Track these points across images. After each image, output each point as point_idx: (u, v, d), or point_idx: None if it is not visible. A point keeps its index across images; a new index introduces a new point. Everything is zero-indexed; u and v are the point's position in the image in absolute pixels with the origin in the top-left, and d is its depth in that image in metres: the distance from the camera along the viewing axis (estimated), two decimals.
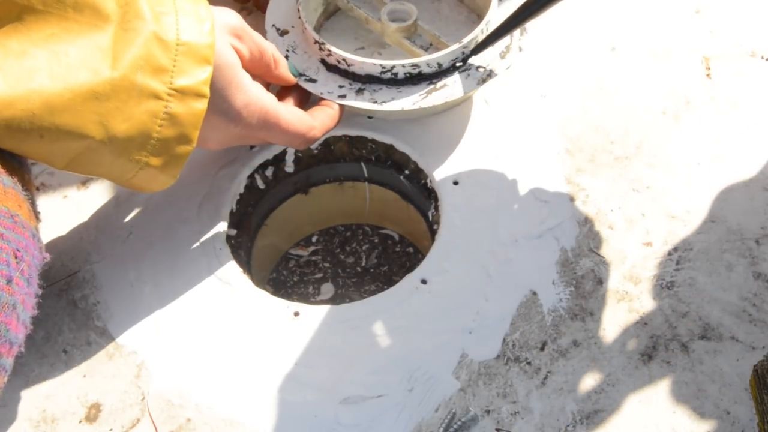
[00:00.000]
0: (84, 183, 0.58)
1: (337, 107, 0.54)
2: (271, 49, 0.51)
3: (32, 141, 0.39)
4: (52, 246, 0.54)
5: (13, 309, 0.36)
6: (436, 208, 0.56)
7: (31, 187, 0.43)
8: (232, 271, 0.53)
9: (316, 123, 0.52)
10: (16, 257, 0.37)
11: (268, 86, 0.54)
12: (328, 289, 0.69)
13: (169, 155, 0.43)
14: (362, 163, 0.63)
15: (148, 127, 0.41)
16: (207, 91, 0.43)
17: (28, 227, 0.39)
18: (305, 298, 0.68)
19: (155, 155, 0.43)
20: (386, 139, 0.59)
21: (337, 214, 0.70)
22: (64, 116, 0.39)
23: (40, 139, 0.39)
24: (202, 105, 0.43)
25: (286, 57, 0.57)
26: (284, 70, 0.53)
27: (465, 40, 0.55)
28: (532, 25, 0.55)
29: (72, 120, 0.39)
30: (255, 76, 0.50)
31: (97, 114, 0.40)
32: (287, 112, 0.50)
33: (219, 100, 0.45)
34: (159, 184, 0.45)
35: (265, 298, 0.51)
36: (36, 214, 0.42)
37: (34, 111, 0.38)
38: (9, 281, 0.36)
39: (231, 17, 0.48)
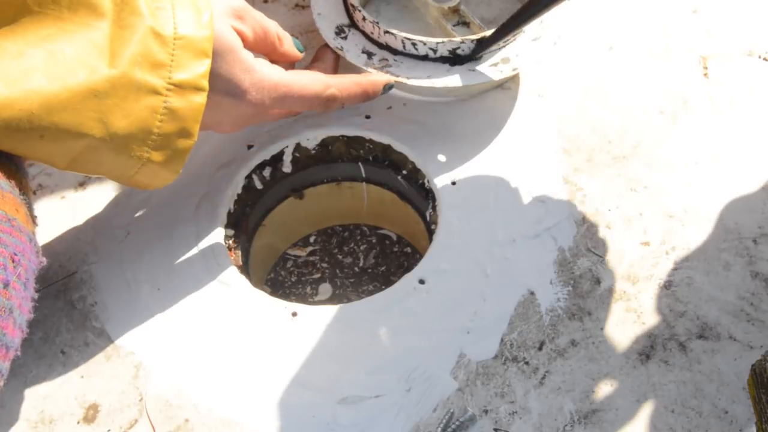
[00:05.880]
0: (81, 184, 0.58)
1: (370, 74, 0.53)
2: (274, 27, 0.51)
3: (32, 141, 0.39)
4: (49, 247, 0.54)
5: (9, 313, 0.36)
6: (434, 208, 0.56)
7: (28, 191, 0.43)
8: (229, 271, 0.53)
9: (331, 81, 0.51)
10: (13, 261, 0.37)
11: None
12: (326, 289, 0.69)
13: (171, 150, 0.43)
14: (360, 164, 0.63)
15: (148, 123, 0.41)
16: (206, 84, 0.43)
17: (26, 231, 0.39)
18: (303, 299, 0.68)
19: (156, 150, 0.43)
20: (384, 139, 0.59)
21: (334, 215, 0.70)
22: (63, 115, 0.39)
23: (40, 139, 0.39)
24: (201, 99, 0.43)
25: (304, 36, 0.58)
26: (290, 47, 0.53)
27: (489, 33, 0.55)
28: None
29: (71, 119, 0.39)
30: (261, 56, 0.50)
31: (97, 112, 0.40)
32: (297, 77, 0.50)
33: (225, 84, 0.45)
34: (162, 179, 0.45)
35: (263, 298, 0.51)
36: (33, 218, 0.42)
37: (32, 111, 0.38)
38: (6, 285, 0.36)
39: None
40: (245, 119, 0.49)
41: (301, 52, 0.54)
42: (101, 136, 0.40)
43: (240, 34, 0.47)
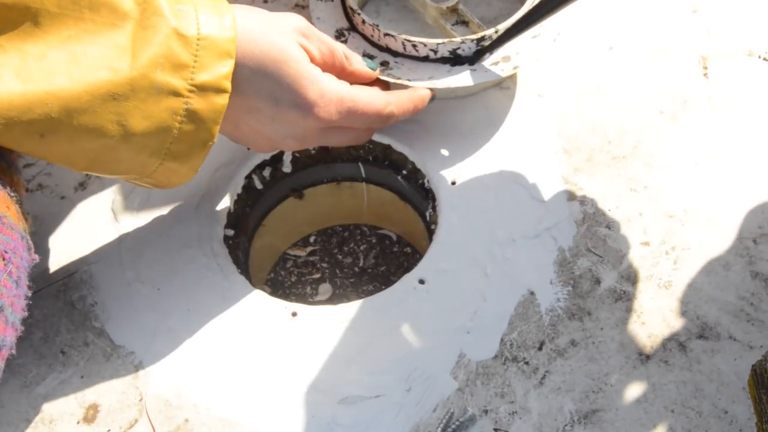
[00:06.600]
0: (81, 184, 0.58)
1: (418, 89, 0.54)
2: (341, 48, 0.50)
3: (50, 143, 0.39)
4: (49, 247, 0.54)
5: (1, 312, 0.36)
6: (434, 208, 0.56)
7: (20, 189, 0.42)
8: (229, 271, 0.53)
9: (390, 98, 0.51)
10: (3, 259, 0.37)
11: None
12: (326, 289, 0.69)
13: (190, 149, 0.43)
14: (360, 164, 0.63)
15: (168, 125, 0.41)
16: (228, 85, 0.43)
17: (17, 228, 0.39)
18: (303, 299, 0.68)
19: (175, 149, 0.42)
20: (384, 140, 0.59)
21: (334, 215, 0.70)
22: (83, 117, 0.39)
23: (59, 140, 0.39)
24: (223, 100, 0.43)
25: (372, 56, 0.57)
26: (359, 66, 0.52)
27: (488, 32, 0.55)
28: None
29: (90, 121, 0.39)
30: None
31: (116, 114, 0.39)
32: (361, 92, 0.49)
33: (292, 95, 0.45)
34: (180, 177, 0.45)
35: (262, 298, 0.51)
36: (25, 215, 0.42)
37: (52, 114, 0.38)
38: None
39: (296, 20, 0.48)
40: (311, 135, 0.48)
41: (374, 70, 0.53)
42: (120, 137, 0.40)
43: (306, 51, 0.47)
